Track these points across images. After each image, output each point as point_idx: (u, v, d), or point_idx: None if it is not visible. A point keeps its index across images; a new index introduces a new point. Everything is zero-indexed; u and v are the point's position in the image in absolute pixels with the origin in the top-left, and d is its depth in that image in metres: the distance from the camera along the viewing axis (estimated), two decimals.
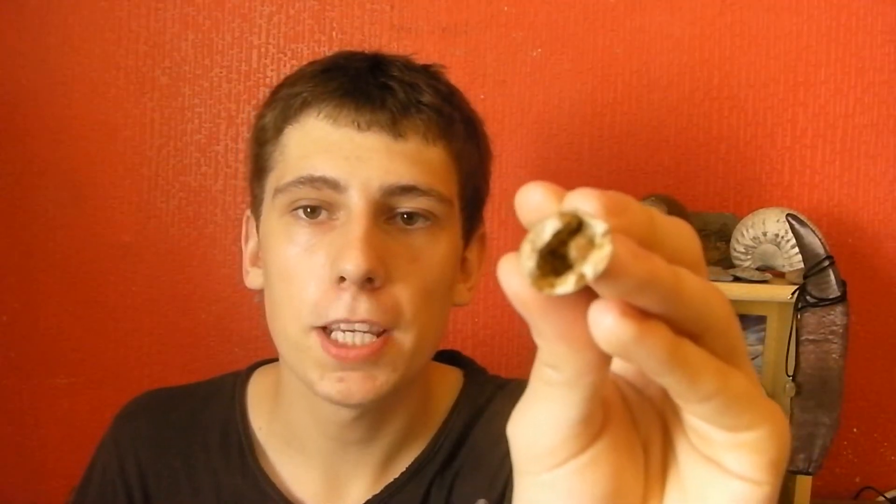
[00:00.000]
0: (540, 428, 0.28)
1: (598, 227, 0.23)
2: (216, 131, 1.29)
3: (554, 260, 0.24)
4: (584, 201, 0.24)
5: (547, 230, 0.23)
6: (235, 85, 1.29)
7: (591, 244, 0.23)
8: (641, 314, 0.24)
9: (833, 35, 1.31)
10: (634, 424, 0.31)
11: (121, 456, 0.77)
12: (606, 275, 0.23)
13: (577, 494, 0.29)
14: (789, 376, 1.16)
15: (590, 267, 0.23)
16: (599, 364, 0.27)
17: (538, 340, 0.27)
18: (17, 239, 1.29)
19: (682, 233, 0.27)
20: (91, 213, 1.29)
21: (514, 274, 0.24)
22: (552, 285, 0.24)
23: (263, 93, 1.27)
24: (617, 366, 0.32)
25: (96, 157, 1.28)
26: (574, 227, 0.23)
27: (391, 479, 0.74)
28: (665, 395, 0.29)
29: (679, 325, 0.25)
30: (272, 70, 1.29)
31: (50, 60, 1.27)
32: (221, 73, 1.29)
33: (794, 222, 1.13)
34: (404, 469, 0.74)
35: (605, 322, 0.23)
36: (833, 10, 1.31)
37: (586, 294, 0.24)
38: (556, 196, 0.24)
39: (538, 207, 0.24)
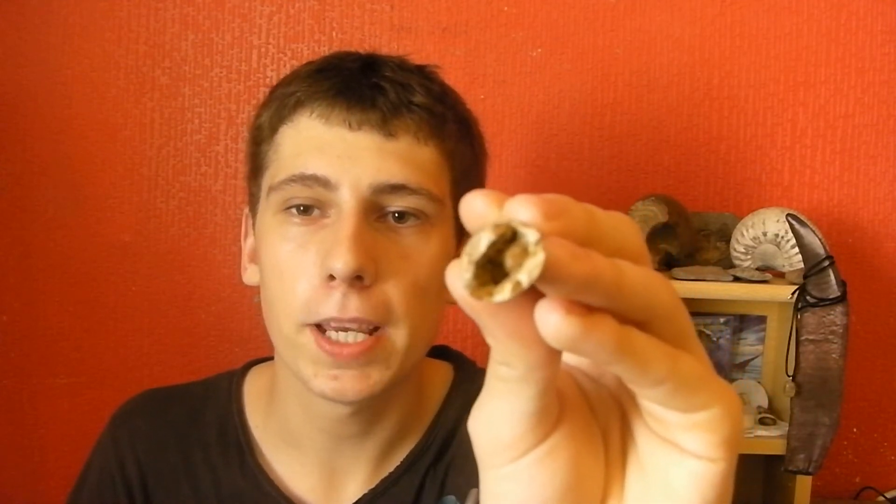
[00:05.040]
0: (497, 423, 0.29)
1: (530, 235, 0.24)
2: (216, 131, 1.29)
3: (494, 268, 0.25)
4: (520, 209, 0.24)
5: (482, 242, 0.24)
6: (235, 85, 1.29)
7: (525, 252, 0.24)
8: (586, 309, 0.25)
9: (833, 35, 1.31)
10: (592, 413, 0.32)
11: (120, 455, 0.77)
12: (546, 278, 0.24)
13: (539, 484, 0.30)
14: (789, 376, 1.16)
15: (524, 275, 0.24)
16: (550, 359, 0.27)
17: (489, 340, 0.28)
18: (17, 239, 1.29)
19: (622, 227, 0.28)
20: (91, 213, 1.29)
21: (458, 279, 0.25)
22: (490, 294, 0.25)
23: (263, 93, 1.26)
24: (572, 357, 0.33)
25: (96, 157, 1.28)
26: (509, 237, 0.24)
27: (386, 474, 0.74)
28: (621, 382, 0.30)
29: (625, 315, 0.26)
30: (272, 70, 1.29)
31: (50, 60, 1.27)
32: (221, 73, 1.29)
33: (794, 222, 1.13)
34: (399, 463, 0.75)
35: (551, 321, 0.24)
36: (833, 10, 1.31)
37: (533, 293, 0.25)
38: (497, 203, 0.25)
39: (480, 215, 0.25)
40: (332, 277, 0.63)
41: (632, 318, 0.26)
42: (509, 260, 0.24)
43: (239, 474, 0.75)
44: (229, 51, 1.29)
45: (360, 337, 0.64)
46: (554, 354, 0.28)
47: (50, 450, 1.31)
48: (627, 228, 0.28)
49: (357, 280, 0.63)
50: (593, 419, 0.32)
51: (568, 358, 0.33)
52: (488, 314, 0.26)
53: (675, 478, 0.29)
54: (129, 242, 1.29)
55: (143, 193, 1.29)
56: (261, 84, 1.28)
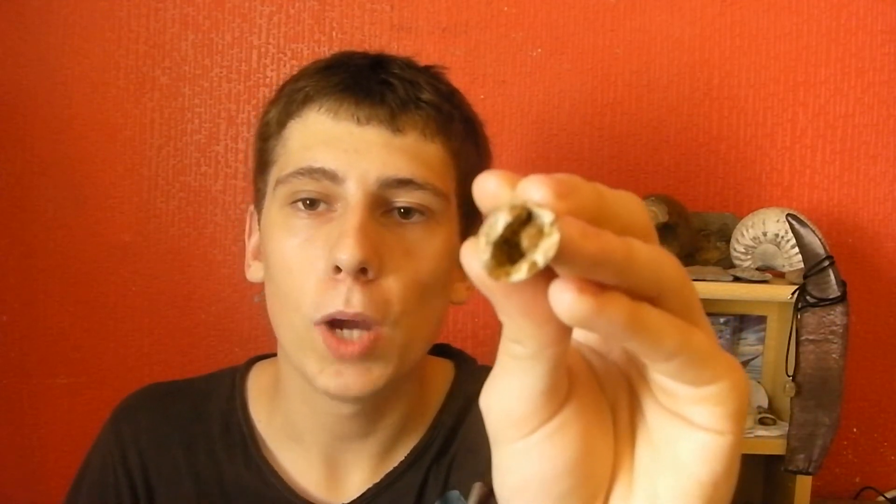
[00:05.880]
0: (509, 399, 0.30)
1: (545, 216, 0.25)
2: (216, 131, 1.29)
3: (509, 248, 0.25)
4: (533, 189, 0.25)
5: (499, 224, 0.25)
6: (235, 85, 1.29)
7: (540, 233, 0.25)
8: (598, 287, 0.25)
9: (833, 35, 1.31)
10: (601, 388, 0.33)
11: (123, 449, 0.77)
12: (560, 258, 0.25)
13: (550, 458, 0.31)
14: (789, 376, 1.16)
15: (540, 255, 0.25)
16: (561, 336, 0.28)
17: (502, 318, 0.28)
18: (17, 239, 1.29)
19: (630, 205, 0.28)
20: (91, 213, 1.29)
21: (475, 260, 0.26)
22: (507, 273, 0.25)
23: (263, 93, 1.27)
24: (580, 333, 0.33)
25: (96, 157, 1.28)
26: (524, 218, 0.25)
27: (390, 469, 0.75)
28: (629, 358, 0.32)
29: (636, 291, 0.27)
30: (272, 70, 1.29)
31: (50, 60, 1.27)
32: (221, 73, 1.29)
33: (794, 222, 1.13)
34: (402, 459, 0.75)
35: (565, 299, 0.25)
36: (833, 10, 1.31)
37: (545, 272, 0.25)
38: (510, 183, 0.26)
39: (494, 195, 0.26)
40: (337, 270, 0.63)
41: (642, 293, 0.27)
42: (525, 240, 0.25)
43: (243, 467, 0.75)
44: (229, 51, 1.29)
45: (364, 335, 0.65)
46: (565, 332, 0.28)
47: (50, 450, 1.31)
48: (635, 206, 0.28)
49: (361, 273, 0.63)
50: (602, 395, 0.33)
51: (576, 334, 0.33)
52: (503, 293, 0.27)
53: (683, 450, 0.30)
54: (129, 242, 1.29)
55: (143, 193, 1.29)
56: (261, 84, 1.28)
